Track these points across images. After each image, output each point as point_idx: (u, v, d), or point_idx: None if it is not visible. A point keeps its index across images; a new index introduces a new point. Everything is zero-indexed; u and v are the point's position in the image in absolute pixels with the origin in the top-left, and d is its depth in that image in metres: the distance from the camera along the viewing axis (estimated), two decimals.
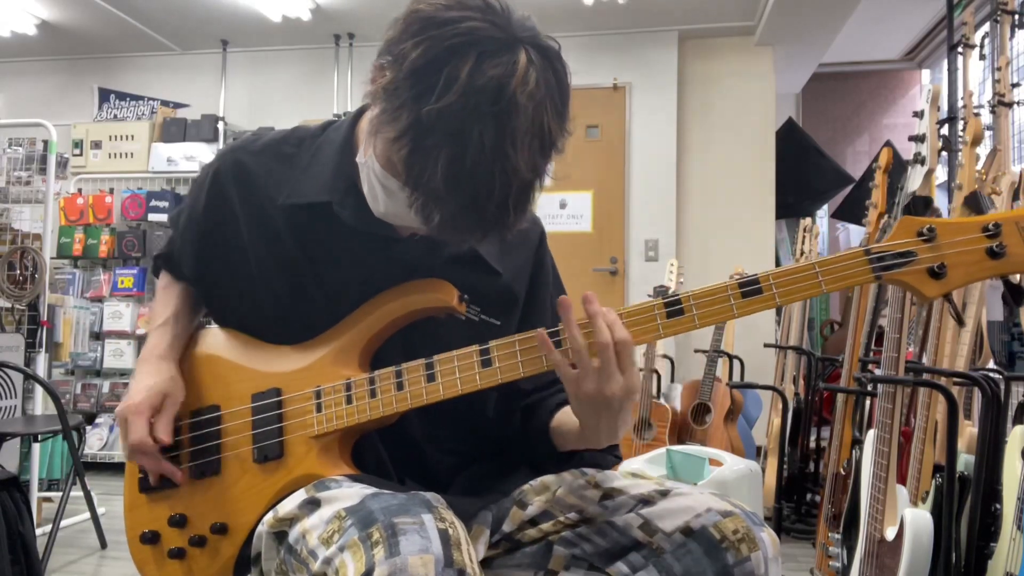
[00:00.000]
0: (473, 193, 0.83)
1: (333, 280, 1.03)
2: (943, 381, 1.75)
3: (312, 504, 0.89)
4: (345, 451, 1.00)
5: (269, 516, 0.93)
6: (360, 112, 1.04)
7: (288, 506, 0.91)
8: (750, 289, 0.89)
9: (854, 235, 5.33)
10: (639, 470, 2.58)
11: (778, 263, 4.85)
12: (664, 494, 0.95)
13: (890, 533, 1.58)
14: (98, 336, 4.39)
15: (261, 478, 0.99)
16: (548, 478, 1.04)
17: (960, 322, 0.93)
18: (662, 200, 4.69)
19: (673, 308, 0.91)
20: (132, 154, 4.69)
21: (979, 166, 2.11)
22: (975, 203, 0.91)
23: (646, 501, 0.94)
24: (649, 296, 1.66)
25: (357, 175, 0.98)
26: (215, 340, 1.11)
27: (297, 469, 0.98)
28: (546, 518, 1.00)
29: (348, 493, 0.87)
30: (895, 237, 0.89)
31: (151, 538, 1.04)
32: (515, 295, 1.11)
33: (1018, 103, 2.28)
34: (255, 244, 1.05)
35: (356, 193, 0.98)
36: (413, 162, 0.83)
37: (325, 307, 1.03)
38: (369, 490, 0.87)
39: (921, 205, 0.90)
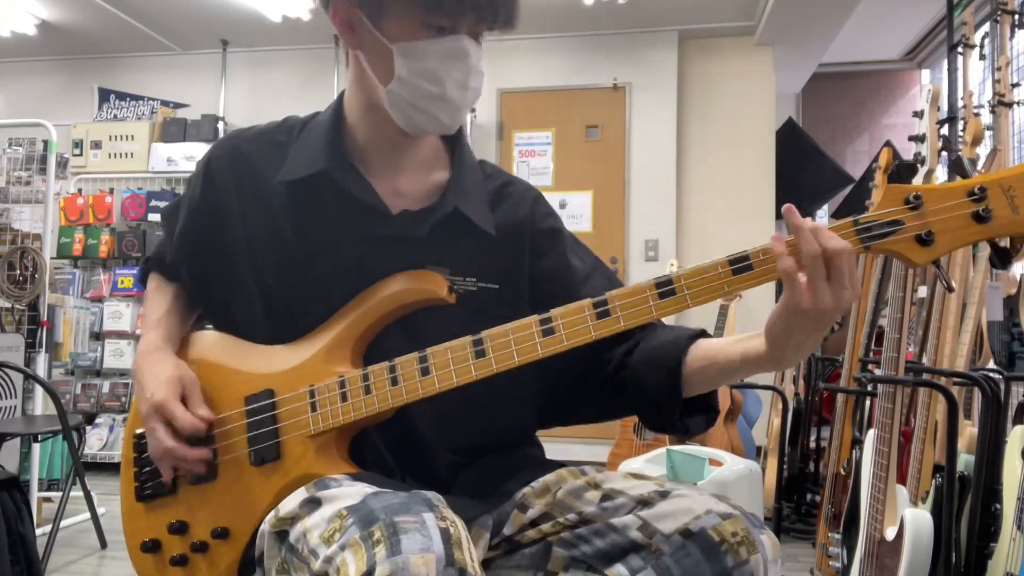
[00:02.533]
0: None
1: (324, 260, 1.03)
2: (943, 381, 1.75)
3: (313, 503, 0.88)
4: (343, 449, 1.00)
5: (271, 516, 0.92)
6: (343, 95, 1.10)
7: (289, 505, 0.91)
8: (740, 266, 0.89)
9: None
10: (639, 470, 2.58)
11: None
12: (663, 495, 0.94)
13: (890, 533, 1.58)
14: (98, 336, 4.39)
15: (259, 481, 0.99)
16: (548, 478, 1.04)
17: (949, 288, 0.93)
18: (662, 200, 4.69)
19: (664, 289, 0.91)
20: (132, 154, 4.69)
21: (979, 166, 2.11)
22: (960, 167, 0.90)
23: (645, 502, 0.94)
24: None
25: (347, 148, 1.06)
26: (205, 344, 1.11)
27: (295, 470, 0.97)
28: (545, 519, 0.99)
29: (349, 492, 0.86)
30: (882, 206, 0.88)
31: (152, 547, 1.03)
32: (515, 258, 1.10)
33: (1018, 103, 2.28)
34: (249, 229, 1.06)
35: (348, 164, 1.04)
36: None
37: (316, 292, 1.03)
38: (370, 489, 0.87)
39: (906, 172, 0.90)
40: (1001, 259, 0.89)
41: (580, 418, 1.14)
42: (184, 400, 1.02)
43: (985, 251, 1.96)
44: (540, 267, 1.11)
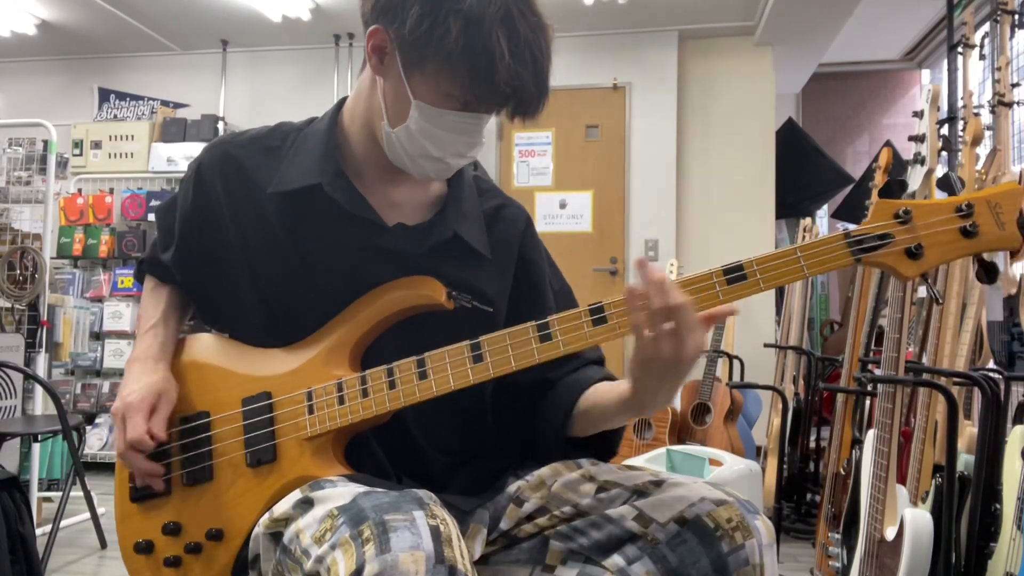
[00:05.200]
0: (534, 58, 0.94)
1: (320, 270, 1.04)
2: (943, 381, 1.75)
3: (306, 504, 0.89)
4: (339, 451, 1.00)
5: (265, 518, 0.92)
6: (340, 104, 1.10)
7: (283, 507, 0.91)
8: (735, 276, 0.90)
9: None
10: None
11: None
12: (658, 484, 0.95)
13: (890, 533, 1.58)
14: (98, 336, 4.39)
15: (255, 482, 0.99)
16: (543, 472, 1.04)
17: (938, 301, 0.95)
18: (662, 200, 4.69)
19: None
20: (132, 154, 4.69)
21: (979, 166, 2.11)
22: (947, 184, 0.93)
23: (640, 492, 0.95)
24: None
25: (343, 161, 1.06)
26: (202, 347, 1.11)
27: (291, 472, 0.97)
28: (542, 513, 1.00)
29: (341, 492, 0.87)
30: (872, 220, 0.91)
31: (145, 548, 1.03)
32: (504, 280, 1.12)
33: (1018, 103, 2.28)
34: (243, 236, 1.06)
35: (344, 177, 1.04)
36: (479, 57, 0.92)
37: (312, 301, 1.03)
38: (361, 488, 0.87)
39: (897, 188, 0.92)
40: (988, 274, 0.91)
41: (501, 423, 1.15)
42: (152, 411, 1.03)
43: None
44: (517, 292, 1.14)
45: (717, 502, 0.90)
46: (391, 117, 1.00)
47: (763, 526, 0.90)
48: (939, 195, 1.86)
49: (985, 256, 0.91)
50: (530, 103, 0.98)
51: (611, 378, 1.07)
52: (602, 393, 1.02)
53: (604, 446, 1.09)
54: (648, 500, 0.93)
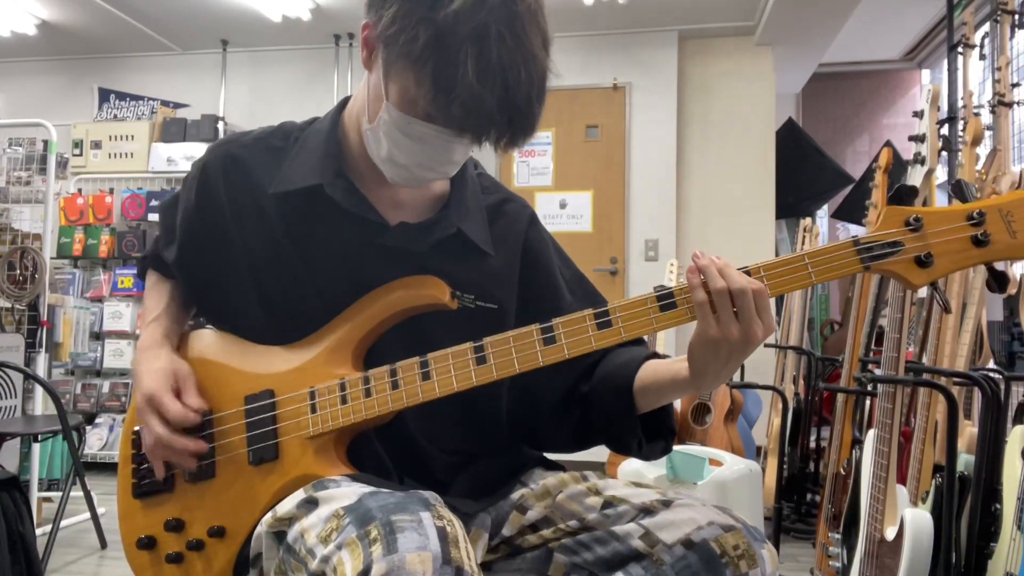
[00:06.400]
0: (505, 85, 0.86)
1: (322, 270, 1.03)
2: (943, 381, 1.75)
3: (310, 503, 0.89)
4: (341, 451, 1.00)
5: (268, 516, 0.92)
6: (343, 103, 1.09)
7: (287, 506, 0.91)
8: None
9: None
10: (639, 470, 2.57)
11: None
12: (666, 504, 0.94)
13: (890, 533, 1.58)
14: (98, 336, 4.40)
15: (257, 480, 0.99)
16: (549, 481, 1.04)
17: (947, 309, 0.93)
18: (662, 200, 4.69)
19: (666, 302, 0.91)
20: (132, 154, 4.69)
21: (979, 166, 2.11)
22: (960, 192, 0.91)
23: (648, 511, 0.94)
24: None
25: (344, 160, 1.04)
26: (205, 343, 1.11)
27: (293, 470, 0.97)
28: (546, 524, 1.00)
29: (346, 492, 0.87)
30: (882, 227, 0.89)
31: (147, 544, 1.03)
32: (509, 276, 1.11)
33: (1018, 103, 2.28)
34: (245, 237, 1.05)
35: (345, 177, 1.03)
36: (441, 70, 0.86)
37: (315, 301, 1.03)
38: (367, 489, 0.87)
39: (907, 194, 0.90)
40: (999, 283, 0.89)
41: (551, 444, 1.13)
42: (178, 392, 1.02)
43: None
44: (528, 285, 1.12)
45: (725, 527, 0.90)
46: (371, 114, 0.98)
47: (768, 555, 0.90)
48: (939, 196, 1.87)
49: (996, 265, 0.90)
50: (491, 131, 0.90)
51: (657, 355, 1.06)
52: (655, 371, 1.00)
53: (668, 429, 1.07)
54: (655, 519, 0.93)
